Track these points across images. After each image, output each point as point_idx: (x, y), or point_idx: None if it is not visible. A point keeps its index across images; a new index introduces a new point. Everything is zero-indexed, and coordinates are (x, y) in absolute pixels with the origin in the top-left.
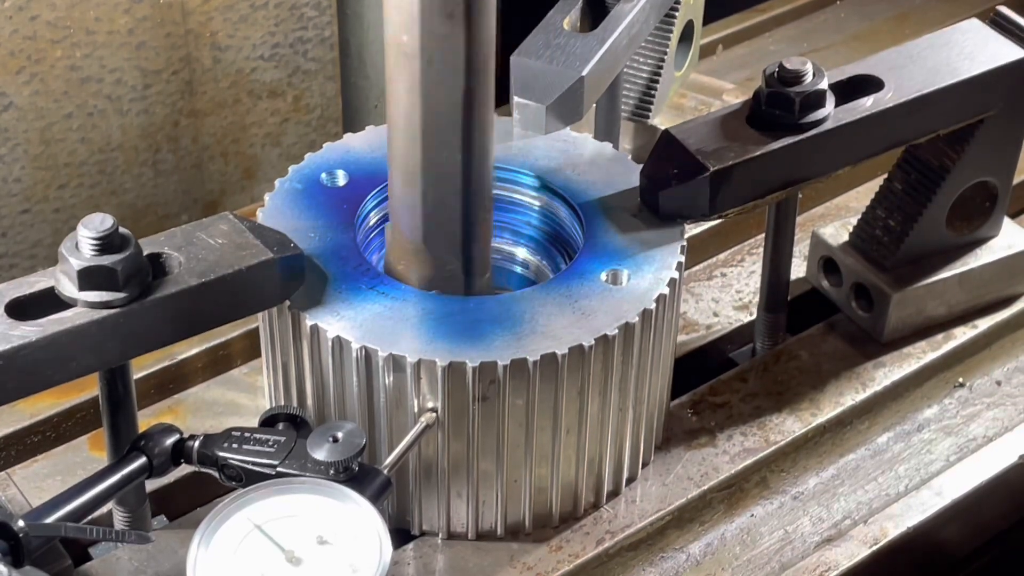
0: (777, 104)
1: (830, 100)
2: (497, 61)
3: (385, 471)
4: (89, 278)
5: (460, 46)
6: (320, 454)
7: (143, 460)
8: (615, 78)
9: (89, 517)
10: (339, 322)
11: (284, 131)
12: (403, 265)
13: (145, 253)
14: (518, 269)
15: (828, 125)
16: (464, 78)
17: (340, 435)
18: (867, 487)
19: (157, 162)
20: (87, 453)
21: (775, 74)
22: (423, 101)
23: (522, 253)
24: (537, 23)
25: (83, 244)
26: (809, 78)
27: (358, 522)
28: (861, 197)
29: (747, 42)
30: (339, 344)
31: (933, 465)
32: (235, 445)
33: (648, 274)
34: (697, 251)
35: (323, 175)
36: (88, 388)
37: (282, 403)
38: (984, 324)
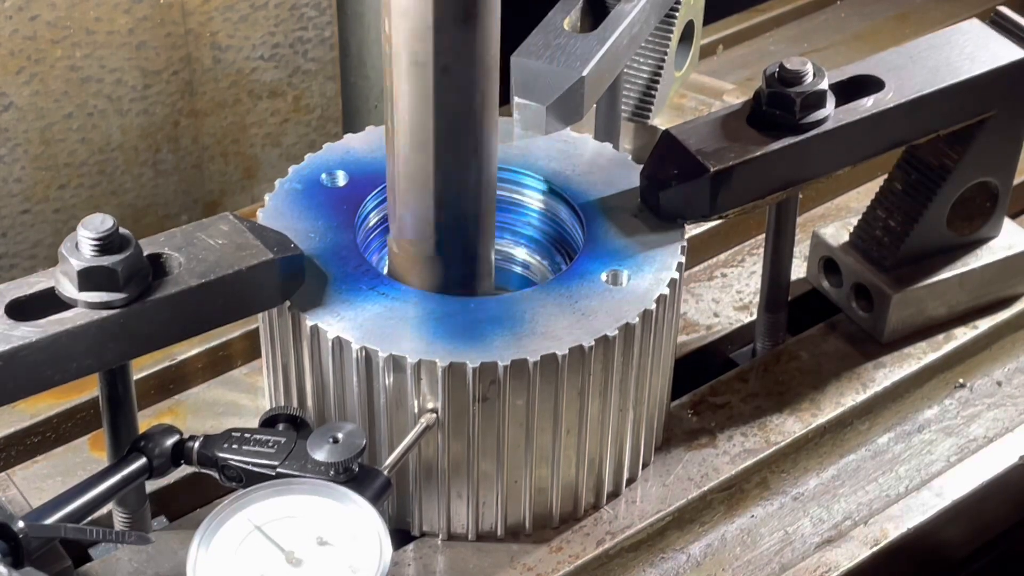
0: (777, 104)
1: (830, 100)
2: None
3: (385, 472)
4: (89, 278)
5: (473, 51)
6: (320, 455)
7: (143, 461)
8: (615, 78)
9: (89, 518)
10: (339, 323)
11: (284, 131)
12: (410, 272)
13: (145, 253)
14: (518, 269)
15: (828, 125)
16: (478, 83)
17: (340, 436)
18: (867, 488)
19: (157, 162)
20: (87, 454)
21: (775, 74)
22: (437, 108)
23: (523, 254)
24: (537, 23)
25: (83, 244)
26: (809, 78)
27: (358, 523)
28: (861, 197)
29: (747, 42)
30: (339, 345)
31: (934, 466)
32: (235, 446)
33: (648, 274)
34: (697, 251)
35: (323, 175)
36: (88, 388)
37: (282, 404)
38: (984, 324)
